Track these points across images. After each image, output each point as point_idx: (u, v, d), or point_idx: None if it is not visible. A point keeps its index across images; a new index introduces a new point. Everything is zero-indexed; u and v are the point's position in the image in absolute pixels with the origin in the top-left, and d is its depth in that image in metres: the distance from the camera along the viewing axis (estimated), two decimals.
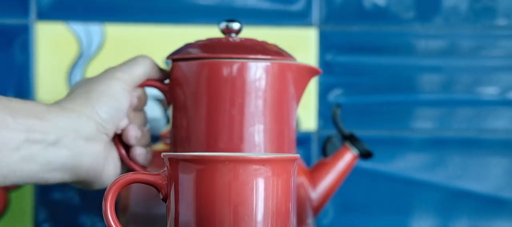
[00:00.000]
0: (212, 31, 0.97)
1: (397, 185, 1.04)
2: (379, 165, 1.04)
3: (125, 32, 1.01)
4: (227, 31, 0.73)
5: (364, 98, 1.04)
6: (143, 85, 0.71)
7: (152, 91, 0.93)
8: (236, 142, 0.69)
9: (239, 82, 0.69)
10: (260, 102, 0.69)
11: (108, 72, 0.70)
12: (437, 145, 1.04)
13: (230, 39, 0.72)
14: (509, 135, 1.05)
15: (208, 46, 0.71)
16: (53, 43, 1.01)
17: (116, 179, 0.57)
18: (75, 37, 1.01)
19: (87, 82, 0.69)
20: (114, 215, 0.56)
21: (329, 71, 1.03)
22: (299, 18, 1.03)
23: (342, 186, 0.88)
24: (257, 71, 0.69)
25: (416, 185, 1.04)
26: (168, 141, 0.85)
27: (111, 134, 0.69)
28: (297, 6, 1.03)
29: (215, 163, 0.54)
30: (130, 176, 0.57)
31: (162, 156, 0.58)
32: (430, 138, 1.04)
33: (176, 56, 0.71)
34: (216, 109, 0.69)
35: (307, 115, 1.03)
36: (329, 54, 1.04)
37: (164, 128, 0.94)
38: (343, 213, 1.04)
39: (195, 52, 0.70)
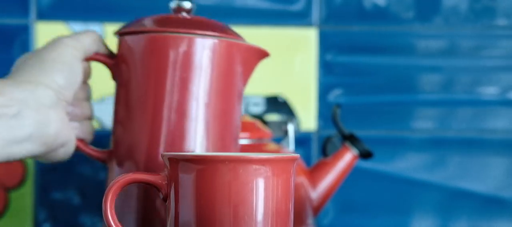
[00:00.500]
0: None
1: (397, 185, 1.04)
2: (379, 165, 1.04)
3: None
4: (178, 10, 0.71)
5: (364, 98, 1.04)
6: (89, 59, 0.70)
7: None
8: (179, 118, 0.67)
9: (184, 58, 0.67)
10: (205, 79, 0.68)
11: (57, 40, 0.69)
12: (437, 145, 1.04)
13: (180, 15, 0.71)
14: (509, 135, 1.05)
15: (155, 21, 0.69)
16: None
17: (116, 179, 0.57)
18: None
19: (36, 54, 0.68)
20: (114, 215, 0.56)
21: (329, 71, 1.03)
22: (299, 18, 1.03)
23: (342, 186, 0.88)
24: (204, 47, 0.67)
25: (416, 185, 1.04)
26: None
27: (70, 101, 0.68)
28: (297, 6, 1.03)
29: (215, 163, 0.54)
30: (130, 176, 0.57)
31: (162, 156, 0.58)
32: (430, 138, 1.05)
33: (122, 31, 0.70)
34: (160, 84, 0.67)
35: (307, 115, 1.03)
36: (329, 54, 1.04)
37: None
38: (343, 213, 1.04)
39: (142, 26, 0.69)
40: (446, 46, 1.04)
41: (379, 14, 1.03)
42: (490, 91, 1.04)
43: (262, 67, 1.04)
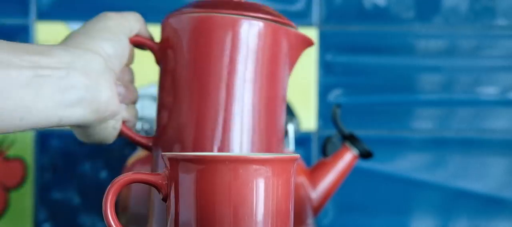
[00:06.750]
0: None
1: (397, 185, 1.04)
2: (379, 165, 1.04)
3: None
4: None
5: (364, 98, 1.04)
6: (134, 41, 0.69)
7: (151, 91, 0.93)
8: (227, 101, 0.66)
9: (232, 40, 0.66)
10: (251, 62, 0.67)
11: (102, 14, 0.68)
12: (437, 145, 1.04)
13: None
14: (509, 135, 1.05)
15: (203, 3, 0.68)
16: (53, 43, 1.01)
17: (116, 179, 0.57)
18: None
19: (81, 27, 0.67)
20: (114, 215, 0.56)
21: (329, 71, 1.03)
22: (299, 18, 1.03)
23: (342, 186, 0.88)
24: (250, 30, 0.67)
25: (416, 185, 1.04)
26: None
27: (118, 73, 0.66)
28: (297, 6, 1.03)
29: (215, 163, 0.54)
30: (130, 176, 0.57)
31: (162, 156, 0.58)
32: (430, 138, 1.05)
33: (168, 15, 0.69)
34: (207, 66, 0.66)
35: (307, 115, 1.03)
36: (329, 54, 1.04)
37: None
38: (343, 213, 1.05)
39: (188, 9, 0.68)
40: (446, 46, 1.04)
41: (379, 14, 1.03)
42: (490, 91, 1.04)
43: None
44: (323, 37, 1.03)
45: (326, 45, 1.03)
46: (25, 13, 1.01)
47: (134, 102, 0.70)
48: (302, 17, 1.03)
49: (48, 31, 1.01)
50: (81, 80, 0.62)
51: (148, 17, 1.02)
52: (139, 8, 1.02)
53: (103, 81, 0.64)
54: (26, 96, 0.59)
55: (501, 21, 1.04)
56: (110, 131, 0.67)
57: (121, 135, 0.68)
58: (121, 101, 0.67)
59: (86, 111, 0.63)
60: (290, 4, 1.03)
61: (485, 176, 1.05)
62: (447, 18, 1.04)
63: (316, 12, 1.03)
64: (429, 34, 1.04)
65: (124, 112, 0.67)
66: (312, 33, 1.03)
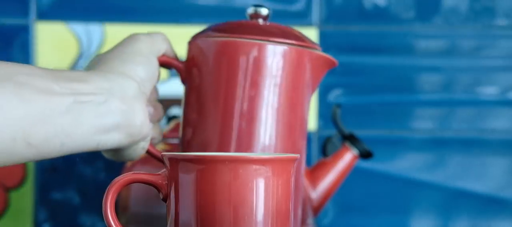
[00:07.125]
0: None
1: (397, 185, 1.04)
2: (379, 165, 1.04)
3: (125, 32, 1.01)
4: (254, 16, 0.72)
5: (364, 98, 1.04)
6: (160, 61, 0.70)
7: None
8: (249, 121, 0.68)
9: (255, 64, 0.68)
10: (274, 84, 0.68)
11: (132, 36, 0.69)
12: (437, 145, 1.04)
13: (254, 22, 0.71)
14: (509, 135, 1.05)
15: (229, 26, 0.70)
16: (53, 43, 1.01)
17: (116, 179, 0.57)
18: (75, 37, 1.02)
19: (113, 49, 0.68)
20: (114, 215, 0.56)
21: (329, 71, 1.03)
22: (299, 18, 1.03)
23: (342, 186, 0.88)
24: (275, 54, 0.68)
25: (416, 185, 1.04)
26: (168, 141, 0.85)
27: (148, 95, 0.68)
28: (297, 6, 1.03)
29: (215, 163, 0.54)
30: (130, 176, 0.57)
31: (162, 156, 0.58)
32: (430, 138, 1.04)
33: (195, 36, 0.71)
34: (231, 88, 0.68)
35: None
36: (329, 54, 1.03)
37: (164, 128, 0.94)
38: (343, 213, 1.04)
39: (215, 31, 0.70)
40: (446, 46, 1.04)
41: (379, 14, 1.03)
42: (490, 91, 1.04)
43: None
44: (323, 37, 1.03)
45: (326, 45, 1.03)
46: (25, 13, 1.01)
47: (159, 120, 0.71)
48: (302, 17, 1.03)
49: (48, 31, 1.01)
50: (118, 105, 0.63)
51: (149, 17, 1.02)
52: (139, 8, 1.02)
53: (137, 105, 0.65)
54: (66, 122, 0.60)
55: (501, 21, 1.04)
56: (139, 151, 0.68)
57: (146, 152, 0.70)
58: (150, 121, 0.68)
59: (121, 135, 0.64)
60: (290, 4, 1.03)
61: (485, 176, 1.05)
62: (447, 18, 1.04)
63: (316, 12, 1.03)
64: (429, 34, 1.04)
65: (151, 132, 0.69)
66: (312, 33, 1.03)
